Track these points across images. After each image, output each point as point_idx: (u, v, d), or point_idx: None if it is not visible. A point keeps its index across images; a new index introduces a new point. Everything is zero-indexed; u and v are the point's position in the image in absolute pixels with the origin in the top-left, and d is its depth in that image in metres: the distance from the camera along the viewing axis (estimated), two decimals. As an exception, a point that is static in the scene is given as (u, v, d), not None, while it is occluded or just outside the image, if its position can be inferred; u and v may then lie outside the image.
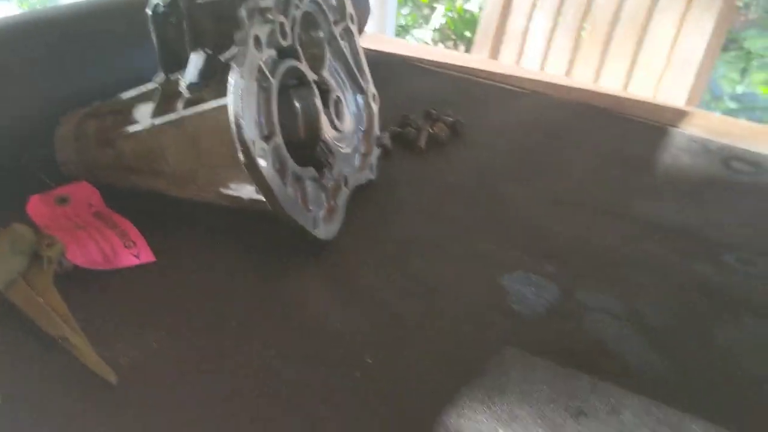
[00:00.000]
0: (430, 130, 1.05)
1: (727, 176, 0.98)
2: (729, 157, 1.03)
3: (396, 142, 1.04)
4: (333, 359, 0.63)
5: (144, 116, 0.79)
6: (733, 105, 3.25)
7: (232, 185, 0.74)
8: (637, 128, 1.12)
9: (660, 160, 1.01)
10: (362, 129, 0.94)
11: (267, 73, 0.70)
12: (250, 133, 0.67)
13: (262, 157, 0.67)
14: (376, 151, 0.94)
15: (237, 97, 0.66)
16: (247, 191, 0.73)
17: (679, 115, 1.17)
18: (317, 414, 0.58)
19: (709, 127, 1.13)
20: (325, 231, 0.77)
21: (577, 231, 0.84)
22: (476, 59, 1.59)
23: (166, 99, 0.78)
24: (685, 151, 1.04)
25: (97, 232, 0.76)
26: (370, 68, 0.97)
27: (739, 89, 3.33)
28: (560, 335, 0.67)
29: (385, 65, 1.32)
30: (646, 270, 0.77)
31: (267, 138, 0.69)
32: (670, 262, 0.78)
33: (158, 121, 0.76)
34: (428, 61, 1.40)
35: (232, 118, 0.65)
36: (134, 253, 0.75)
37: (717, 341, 0.68)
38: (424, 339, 0.66)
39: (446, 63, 1.40)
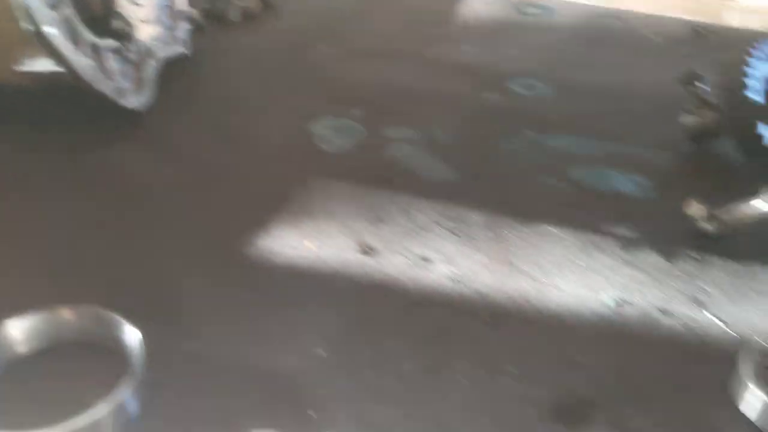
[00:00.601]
0: (242, 4, 1.06)
1: (520, 19, 1.07)
2: (522, 3, 1.11)
3: (210, 19, 1.05)
4: (148, 209, 0.67)
5: None
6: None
7: (27, 61, 0.73)
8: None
9: (460, 12, 1.09)
10: (167, 4, 0.94)
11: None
12: (34, 1, 0.66)
13: (50, 25, 0.67)
14: (183, 26, 0.95)
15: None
16: (45, 65, 0.73)
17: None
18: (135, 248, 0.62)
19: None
20: (135, 101, 0.78)
21: (382, 78, 0.90)
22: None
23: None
24: (484, 2, 1.12)
25: None
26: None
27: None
28: (363, 164, 0.74)
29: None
30: (441, 103, 0.85)
31: (54, 6, 0.69)
32: (463, 94, 0.86)
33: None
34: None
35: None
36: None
37: (500, 151, 0.77)
38: (235, 180, 0.71)
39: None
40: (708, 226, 0.62)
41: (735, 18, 1.07)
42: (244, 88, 0.88)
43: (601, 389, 0.42)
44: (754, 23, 1.05)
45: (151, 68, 0.84)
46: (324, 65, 0.92)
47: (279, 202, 0.67)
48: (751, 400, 0.40)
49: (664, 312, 0.56)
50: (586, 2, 1.10)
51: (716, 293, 0.58)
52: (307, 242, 0.62)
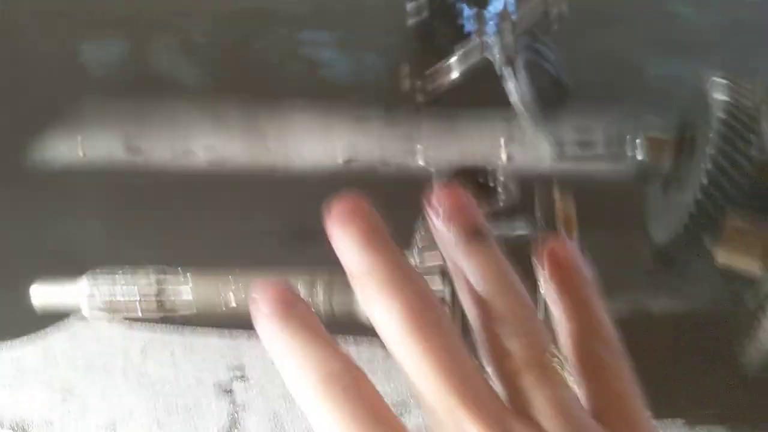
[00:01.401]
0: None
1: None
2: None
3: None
4: None
5: None
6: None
7: None
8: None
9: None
10: None
11: None
12: None
13: None
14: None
15: None
16: None
17: None
18: None
19: None
20: None
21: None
22: None
23: None
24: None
25: None
26: None
27: None
28: (127, 78, 0.81)
29: None
30: (204, 10, 0.92)
31: None
32: (220, 2, 0.94)
33: None
34: None
35: None
36: None
37: (253, 50, 0.86)
38: (9, 102, 0.76)
39: None
40: (420, 97, 0.76)
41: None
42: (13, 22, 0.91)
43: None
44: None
45: None
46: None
47: (50, 119, 0.73)
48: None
49: (384, 163, 0.69)
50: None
51: (427, 145, 0.72)
52: (81, 152, 0.69)
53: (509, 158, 0.71)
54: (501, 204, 0.44)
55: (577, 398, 0.26)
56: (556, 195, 0.44)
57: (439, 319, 0.26)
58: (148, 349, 0.51)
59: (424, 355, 0.24)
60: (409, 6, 0.87)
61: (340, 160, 0.69)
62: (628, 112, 0.77)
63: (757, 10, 0.96)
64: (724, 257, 0.48)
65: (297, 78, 0.81)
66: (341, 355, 0.26)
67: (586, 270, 0.31)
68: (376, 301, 0.26)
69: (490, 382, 0.26)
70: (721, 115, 0.52)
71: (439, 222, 0.28)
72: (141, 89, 0.79)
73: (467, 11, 0.80)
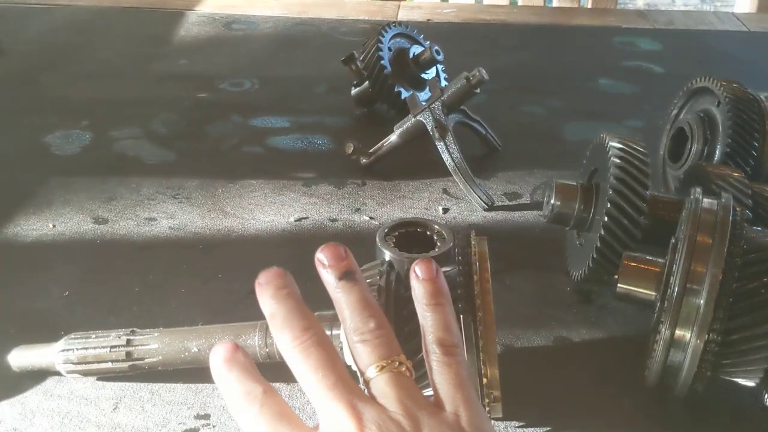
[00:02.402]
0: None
1: (228, 34, 1.25)
2: (229, 21, 1.30)
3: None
4: None
5: None
6: None
7: None
8: (156, 15, 1.33)
9: (176, 34, 1.25)
10: None
11: None
12: None
13: None
14: None
15: None
16: None
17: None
18: None
19: (213, 3, 1.39)
20: None
21: (107, 94, 1.03)
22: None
23: None
24: (196, 24, 1.29)
25: None
26: None
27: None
28: (94, 161, 0.87)
29: None
30: (161, 105, 1.00)
31: None
32: (180, 97, 1.03)
33: None
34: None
35: None
36: None
37: (211, 134, 0.94)
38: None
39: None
40: (363, 159, 0.83)
41: (404, 14, 1.34)
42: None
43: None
44: (417, 17, 1.33)
45: None
46: (54, 90, 1.04)
47: (22, 199, 0.79)
48: (385, 255, 0.58)
49: (332, 220, 0.76)
50: (283, 15, 1.31)
51: (370, 203, 0.79)
52: (51, 224, 0.75)
53: (444, 211, 0.78)
54: (437, 250, 0.50)
55: (415, 388, 0.38)
56: (473, 238, 0.51)
57: (318, 340, 0.38)
58: (119, 401, 0.55)
59: (306, 366, 0.38)
60: (354, 91, 0.97)
61: (291, 219, 0.76)
62: (549, 168, 0.86)
63: (661, 81, 1.08)
64: (622, 287, 0.55)
65: (252, 155, 0.89)
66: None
67: (440, 283, 0.42)
68: (277, 333, 0.39)
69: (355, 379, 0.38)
70: (616, 161, 0.60)
71: (322, 269, 0.41)
72: (107, 169, 0.85)
73: (404, 93, 0.89)
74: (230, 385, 0.39)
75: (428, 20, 1.33)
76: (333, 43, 1.21)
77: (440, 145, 0.79)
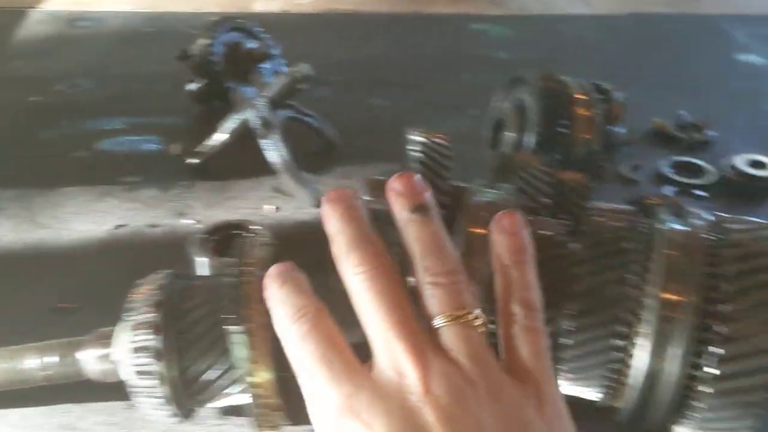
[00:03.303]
0: None
1: (72, 32, 1.20)
2: (73, 18, 1.24)
3: None
4: None
5: None
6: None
7: None
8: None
9: (14, 35, 1.18)
10: None
11: None
12: None
13: None
14: None
15: None
16: None
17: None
18: None
19: (58, 0, 1.32)
20: None
21: None
22: None
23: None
24: (38, 23, 1.22)
25: None
26: None
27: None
28: None
29: None
30: None
31: None
32: (11, 102, 0.97)
33: None
34: None
35: None
36: None
37: (37, 140, 0.89)
38: None
39: None
40: (191, 159, 0.81)
41: (261, 6, 1.32)
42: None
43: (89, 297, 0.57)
44: (274, 8, 1.31)
45: None
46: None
47: None
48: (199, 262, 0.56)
49: (152, 226, 0.74)
50: (133, 9, 1.26)
51: (198, 205, 0.77)
52: None
53: (276, 209, 0.77)
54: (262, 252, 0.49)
55: (491, 351, 0.33)
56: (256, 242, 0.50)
57: (387, 270, 0.34)
58: None
59: (370, 297, 0.33)
60: (188, 88, 0.93)
61: (109, 227, 0.73)
62: (388, 162, 0.85)
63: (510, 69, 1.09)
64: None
65: (78, 160, 0.85)
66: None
67: (525, 239, 0.38)
68: (342, 256, 0.35)
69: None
70: (413, 155, 0.61)
71: (394, 198, 0.37)
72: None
73: (240, 90, 0.87)
74: (280, 299, 0.35)
75: (285, 11, 1.30)
76: (183, 39, 1.17)
77: (264, 143, 0.77)
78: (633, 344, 0.43)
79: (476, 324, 0.33)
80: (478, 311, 0.34)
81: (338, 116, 0.91)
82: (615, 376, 0.45)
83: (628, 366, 0.43)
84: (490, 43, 1.22)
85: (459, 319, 0.33)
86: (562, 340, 0.45)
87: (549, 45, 1.24)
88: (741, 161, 0.82)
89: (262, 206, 0.78)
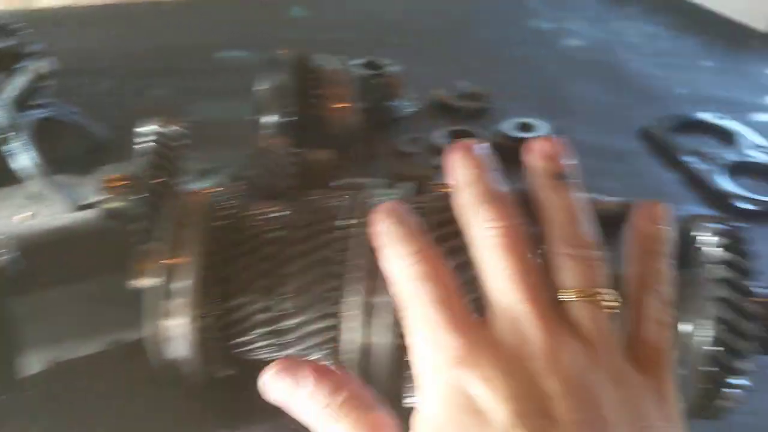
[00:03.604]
0: None
1: None
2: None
3: None
4: None
5: None
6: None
7: None
8: None
9: None
10: None
11: None
12: None
13: None
14: None
15: None
16: None
17: None
18: None
19: None
20: None
21: None
22: None
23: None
24: None
25: None
26: None
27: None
28: None
29: None
30: None
31: None
32: None
33: None
34: None
35: None
36: None
37: None
38: None
39: None
40: None
41: (43, 2, 1.23)
42: None
43: None
44: (59, 2, 1.23)
45: None
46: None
47: None
48: None
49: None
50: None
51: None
52: None
53: (33, 216, 0.72)
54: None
55: (612, 327, 0.31)
56: None
57: (518, 230, 0.32)
58: None
59: (497, 253, 0.31)
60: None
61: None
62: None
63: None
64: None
65: None
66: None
67: (665, 228, 0.35)
68: (471, 207, 0.33)
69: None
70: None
71: (534, 161, 0.34)
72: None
73: None
74: (397, 236, 0.33)
75: (70, 5, 1.23)
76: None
77: (10, 148, 0.72)
78: (342, 322, 0.42)
79: (608, 305, 0.31)
80: (613, 293, 0.32)
81: (119, 109, 0.87)
82: (334, 354, 0.44)
83: (340, 343, 0.43)
84: (287, 23, 1.20)
85: (592, 297, 0.31)
86: (285, 323, 0.45)
87: (351, 22, 1.24)
88: (509, 125, 0.85)
89: (14, 215, 0.72)
